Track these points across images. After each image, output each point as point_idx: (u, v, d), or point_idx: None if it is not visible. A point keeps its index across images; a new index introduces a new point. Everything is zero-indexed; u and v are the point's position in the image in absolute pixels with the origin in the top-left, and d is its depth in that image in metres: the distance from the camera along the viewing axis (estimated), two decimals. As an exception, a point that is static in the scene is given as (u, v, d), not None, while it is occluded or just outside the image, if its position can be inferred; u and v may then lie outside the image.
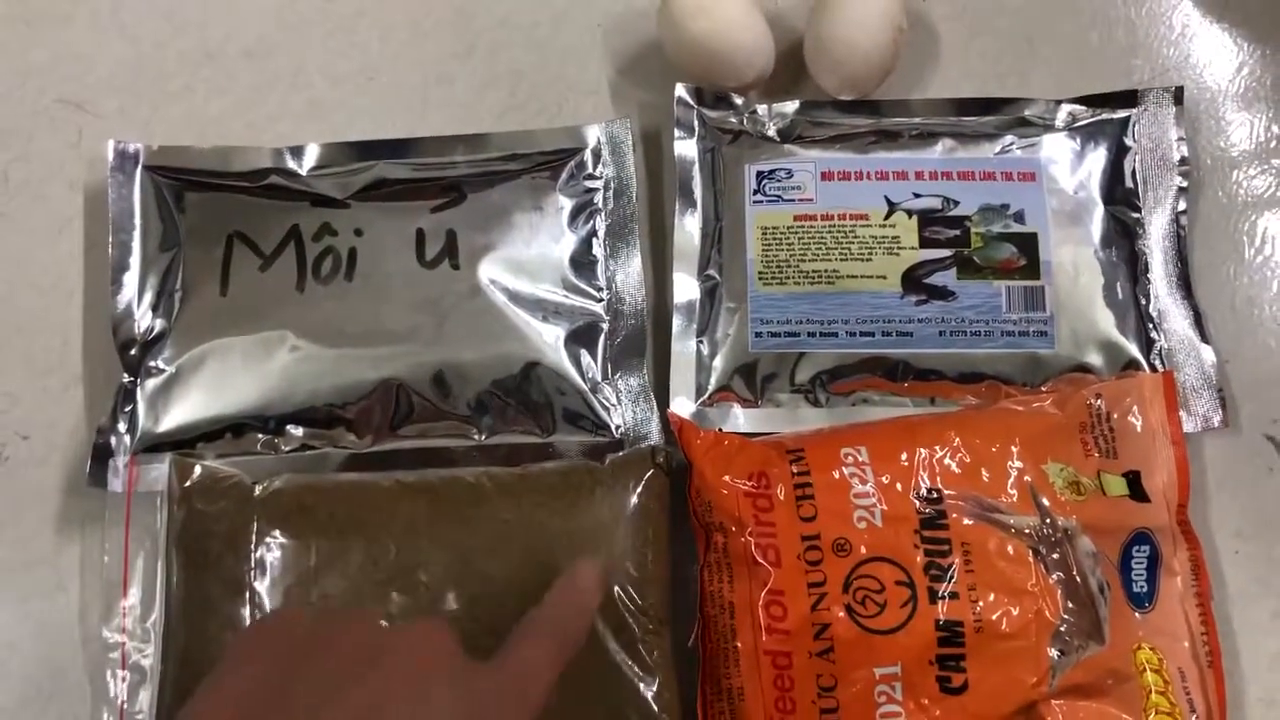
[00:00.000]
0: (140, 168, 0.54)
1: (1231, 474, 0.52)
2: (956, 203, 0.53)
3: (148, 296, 0.52)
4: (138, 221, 0.53)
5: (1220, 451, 0.52)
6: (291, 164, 0.54)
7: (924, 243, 0.52)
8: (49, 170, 0.56)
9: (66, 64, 0.58)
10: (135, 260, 0.53)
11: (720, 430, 0.50)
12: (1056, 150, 0.54)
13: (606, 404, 0.52)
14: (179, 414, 0.51)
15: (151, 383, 0.51)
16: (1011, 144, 0.54)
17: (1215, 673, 0.47)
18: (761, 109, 0.54)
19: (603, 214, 0.54)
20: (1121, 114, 0.54)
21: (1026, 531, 0.45)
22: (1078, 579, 0.45)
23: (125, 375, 0.51)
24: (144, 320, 0.52)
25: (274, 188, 0.53)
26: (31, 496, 0.52)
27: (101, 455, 0.50)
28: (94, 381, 0.53)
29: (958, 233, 0.52)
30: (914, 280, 0.52)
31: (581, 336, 0.52)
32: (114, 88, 0.57)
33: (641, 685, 0.45)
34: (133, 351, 0.52)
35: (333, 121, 0.57)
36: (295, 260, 0.52)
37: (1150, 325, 0.52)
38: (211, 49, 0.58)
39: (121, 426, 0.51)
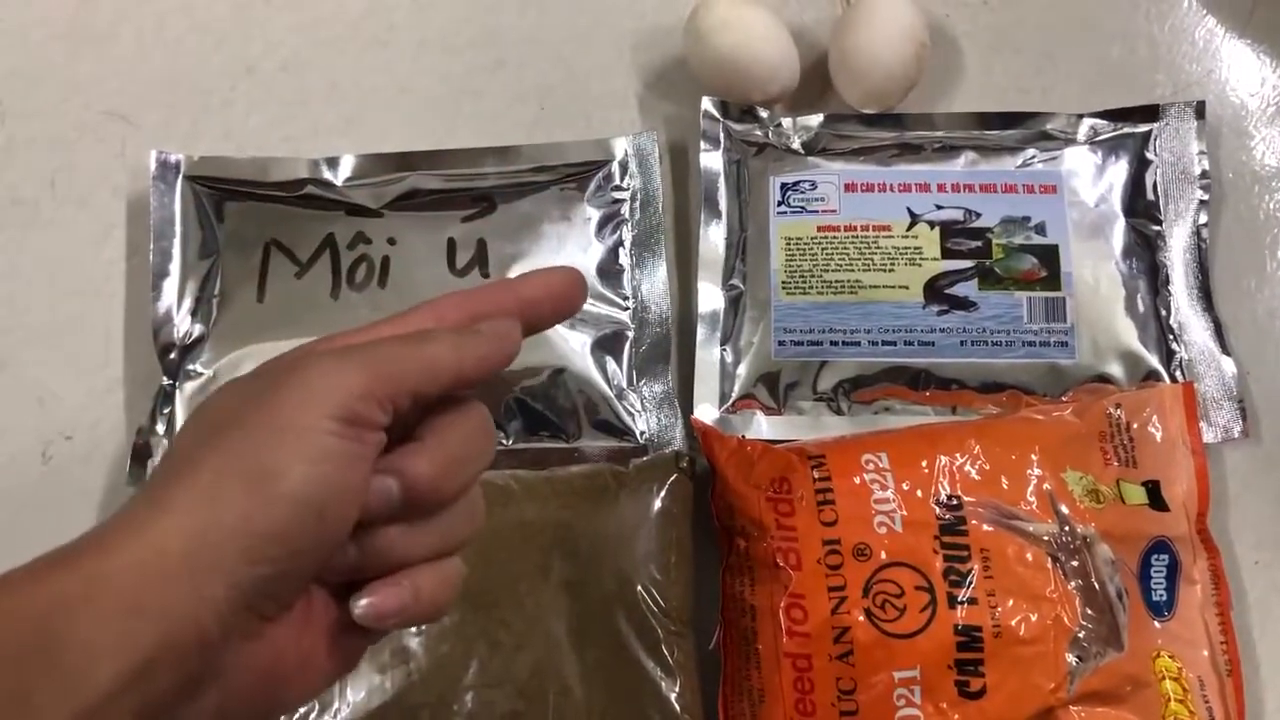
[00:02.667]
0: (181, 177, 0.55)
1: (1252, 485, 0.52)
2: (978, 215, 0.53)
3: (187, 302, 0.54)
4: (178, 229, 0.55)
5: (1241, 462, 0.52)
6: (327, 174, 0.55)
7: (946, 254, 0.53)
8: (94, 179, 0.58)
9: (111, 78, 0.59)
10: (175, 267, 0.54)
11: (743, 437, 0.51)
12: (1078, 163, 0.54)
13: (631, 410, 0.52)
14: (216, 416, 0.52)
15: (190, 386, 0.52)
16: (1033, 157, 0.55)
17: (1235, 682, 0.47)
18: (786, 122, 0.55)
19: (629, 224, 0.55)
20: (1143, 128, 0.55)
21: (1045, 538, 0.46)
22: (1096, 586, 0.46)
23: (165, 378, 0.53)
24: (183, 325, 0.53)
25: (310, 197, 0.55)
26: (73, 495, 0.53)
27: (141, 455, 0.52)
28: (134, 384, 0.54)
29: (979, 244, 0.53)
30: (936, 291, 0.53)
31: (607, 344, 0.53)
32: (156, 101, 0.59)
33: (664, 686, 0.46)
34: (172, 355, 0.53)
35: (366, 134, 0.58)
36: (330, 268, 0.53)
37: (1171, 336, 0.52)
38: (250, 64, 0.60)
39: (160, 428, 0.52)
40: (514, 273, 0.53)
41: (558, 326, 0.52)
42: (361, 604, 0.30)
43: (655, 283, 0.54)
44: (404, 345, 0.31)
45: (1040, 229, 0.53)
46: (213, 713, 0.29)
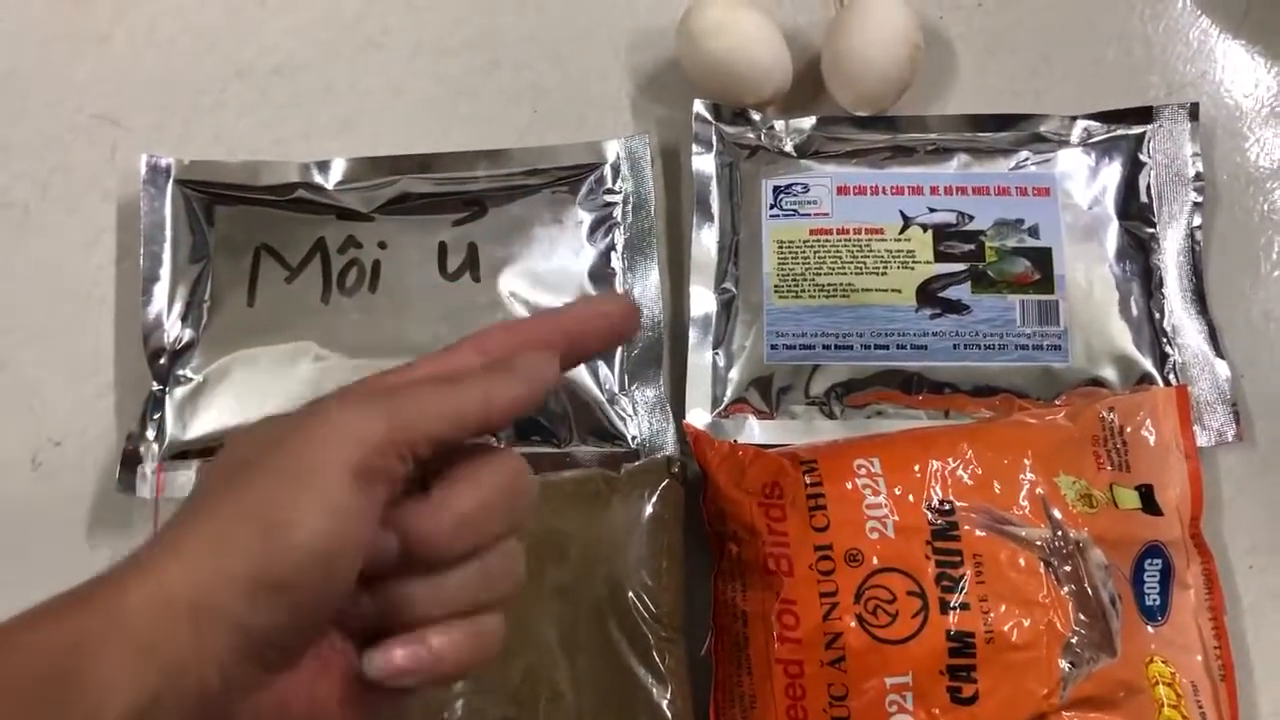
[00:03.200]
0: (171, 181, 0.55)
1: (1246, 488, 0.52)
2: (971, 217, 0.53)
3: (177, 307, 0.53)
4: (168, 233, 0.54)
5: (1235, 466, 0.52)
6: (318, 178, 0.55)
7: (939, 257, 0.53)
8: (84, 183, 0.58)
9: (103, 80, 0.59)
10: (165, 271, 0.54)
11: (735, 441, 0.50)
12: (1071, 166, 0.54)
13: (623, 415, 0.52)
14: (206, 422, 0.52)
15: (180, 391, 0.52)
16: (1026, 159, 0.54)
17: (1228, 687, 0.47)
18: (779, 125, 0.55)
19: (621, 228, 0.55)
20: (1137, 130, 0.55)
21: (1038, 543, 0.46)
22: (1089, 591, 0.46)
23: (154, 383, 0.53)
24: (173, 330, 0.53)
25: (301, 201, 0.55)
26: (63, 501, 0.53)
27: (130, 462, 0.51)
28: (124, 389, 0.54)
29: (972, 247, 0.53)
30: (928, 294, 0.52)
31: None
32: (148, 104, 0.59)
33: (655, 692, 0.46)
34: (162, 360, 0.53)
35: (359, 137, 0.58)
36: (321, 272, 0.53)
37: (1164, 340, 0.52)
38: (242, 67, 0.60)
39: (150, 434, 0.52)
40: (505, 277, 0.53)
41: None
42: (372, 660, 0.30)
43: (647, 286, 0.54)
44: (432, 391, 0.30)
45: (1033, 232, 0.53)
46: None
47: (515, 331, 0.33)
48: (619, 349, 0.53)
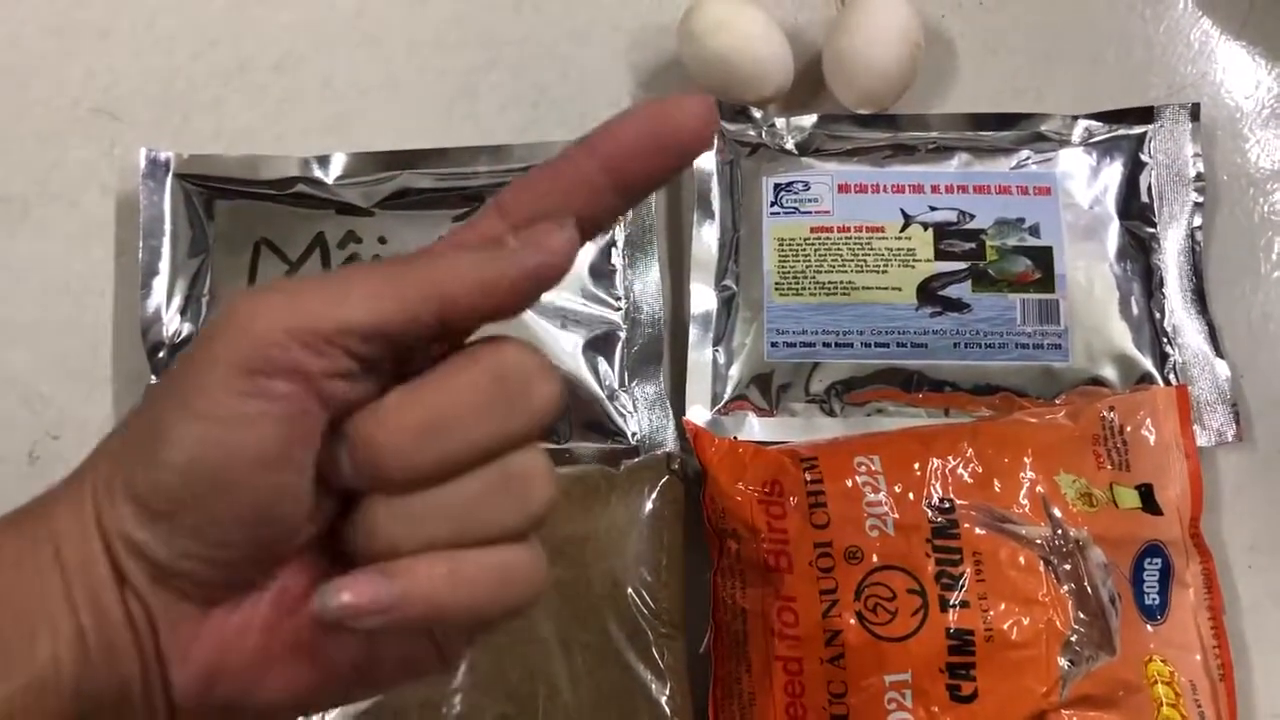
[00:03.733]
0: (171, 175, 0.55)
1: (1245, 488, 0.52)
2: (972, 216, 0.53)
3: (176, 301, 0.53)
4: (168, 228, 0.54)
5: (1234, 466, 0.52)
6: (318, 173, 0.55)
7: (939, 255, 0.53)
8: (83, 177, 0.57)
9: (102, 75, 0.59)
10: (165, 265, 0.54)
11: (735, 438, 0.50)
12: (1072, 165, 0.54)
13: (623, 411, 0.52)
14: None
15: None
16: (1027, 159, 0.54)
17: (1227, 686, 0.47)
18: (780, 122, 0.55)
19: (622, 224, 0.54)
20: (1138, 130, 0.55)
21: (1038, 542, 0.46)
22: (1089, 590, 0.45)
23: (153, 377, 0.52)
24: (172, 324, 0.53)
25: (301, 196, 0.54)
26: (60, 495, 0.53)
27: (129, 455, 0.51)
28: (122, 383, 0.54)
29: (973, 246, 0.53)
30: (929, 292, 0.52)
31: (599, 344, 0.53)
32: (147, 98, 0.59)
33: (654, 689, 0.46)
34: (161, 354, 0.53)
35: (359, 134, 0.58)
36: (320, 267, 0.53)
37: (1165, 339, 0.52)
38: (242, 62, 0.59)
39: (148, 427, 0.52)
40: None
41: (547, 327, 0.52)
42: (322, 595, 0.24)
43: (647, 283, 0.54)
44: (365, 275, 0.25)
45: (1034, 231, 0.53)
46: (162, 708, 0.26)
47: (538, 182, 0.26)
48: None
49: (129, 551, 0.25)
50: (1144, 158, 0.54)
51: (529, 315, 0.53)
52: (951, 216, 0.53)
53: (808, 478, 0.47)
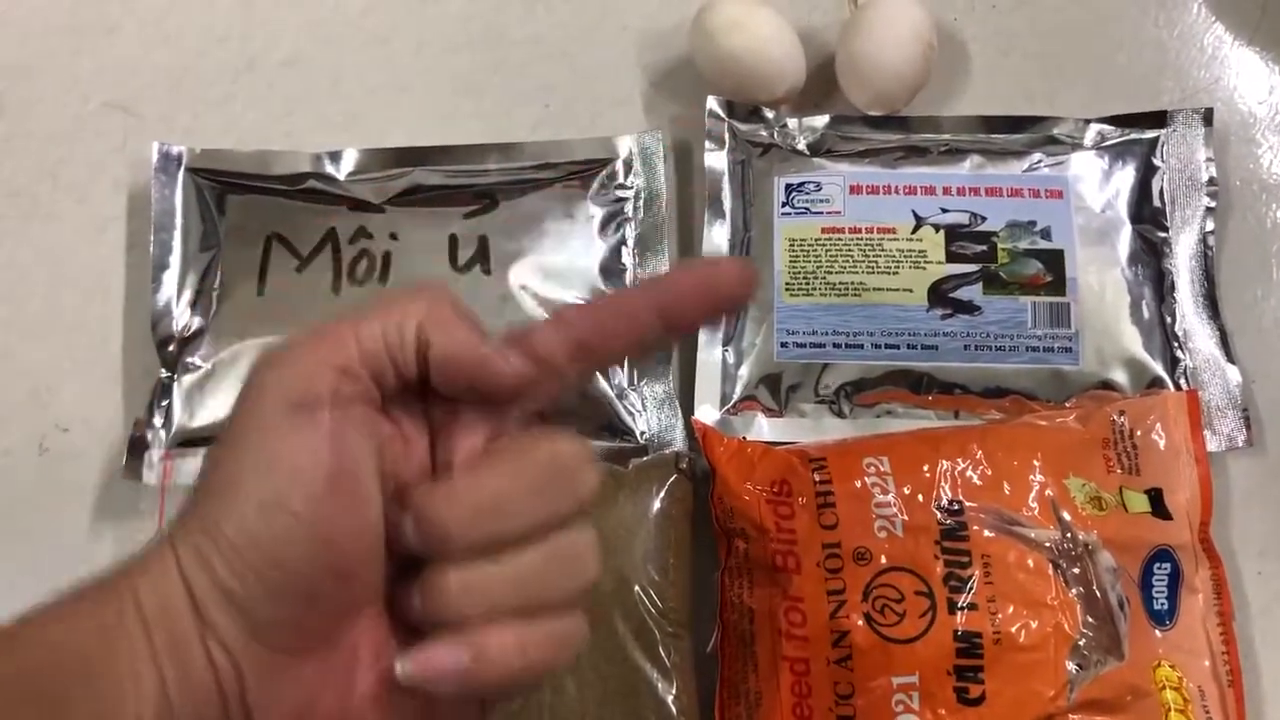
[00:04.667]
0: (183, 169, 0.55)
1: (1255, 494, 0.51)
2: (984, 218, 0.53)
3: (186, 294, 0.53)
4: (179, 221, 0.54)
5: (1245, 471, 0.52)
6: (330, 169, 0.55)
7: (950, 257, 0.53)
8: (94, 171, 0.57)
9: (113, 70, 0.59)
10: (175, 259, 0.54)
11: (744, 438, 0.50)
12: (1085, 169, 0.54)
13: (632, 410, 0.52)
14: (214, 410, 0.52)
15: (188, 379, 0.52)
16: (1040, 162, 0.54)
17: (1235, 692, 0.47)
18: (792, 123, 0.55)
19: (632, 223, 0.54)
20: (1150, 134, 0.55)
21: (1047, 545, 0.45)
22: (1098, 594, 0.45)
23: (163, 371, 0.52)
24: (182, 318, 0.53)
25: (312, 191, 0.54)
26: (69, 487, 0.53)
27: (137, 449, 0.51)
28: (132, 377, 0.54)
29: (984, 248, 0.53)
30: (940, 294, 0.52)
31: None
32: (158, 94, 0.59)
33: (660, 687, 0.46)
34: (171, 348, 0.53)
35: (367, 132, 0.58)
36: (331, 262, 0.53)
37: (1175, 344, 0.52)
38: (252, 59, 0.59)
39: (158, 421, 0.52)
40: (515, 270, 0.53)
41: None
42: (404, 661, 0.27)
43: (657, 282, 0.54)
44: (370, 308, 0.28)
45: (1046, 234, 0.53)
46: None
47: (601, 313, 0.29)
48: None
49: (219, 606, 0.26)
50: (1156, 162, 0.54)
51: (540, 312, 0.53)
52: (963, 219, 0.53)
53: (816, 478, 0.47)
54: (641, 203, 0.55)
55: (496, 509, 0.27)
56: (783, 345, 0.52)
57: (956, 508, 0.46)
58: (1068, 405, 0.51)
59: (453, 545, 0.27)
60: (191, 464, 0.51)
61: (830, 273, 0.53)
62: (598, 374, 0.52)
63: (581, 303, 0.30)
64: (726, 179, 0.55)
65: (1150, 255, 0.53)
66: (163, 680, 0.26)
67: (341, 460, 0.27)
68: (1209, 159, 0.54)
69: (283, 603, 0.27)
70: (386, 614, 0.28)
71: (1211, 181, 0.54)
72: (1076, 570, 0.45)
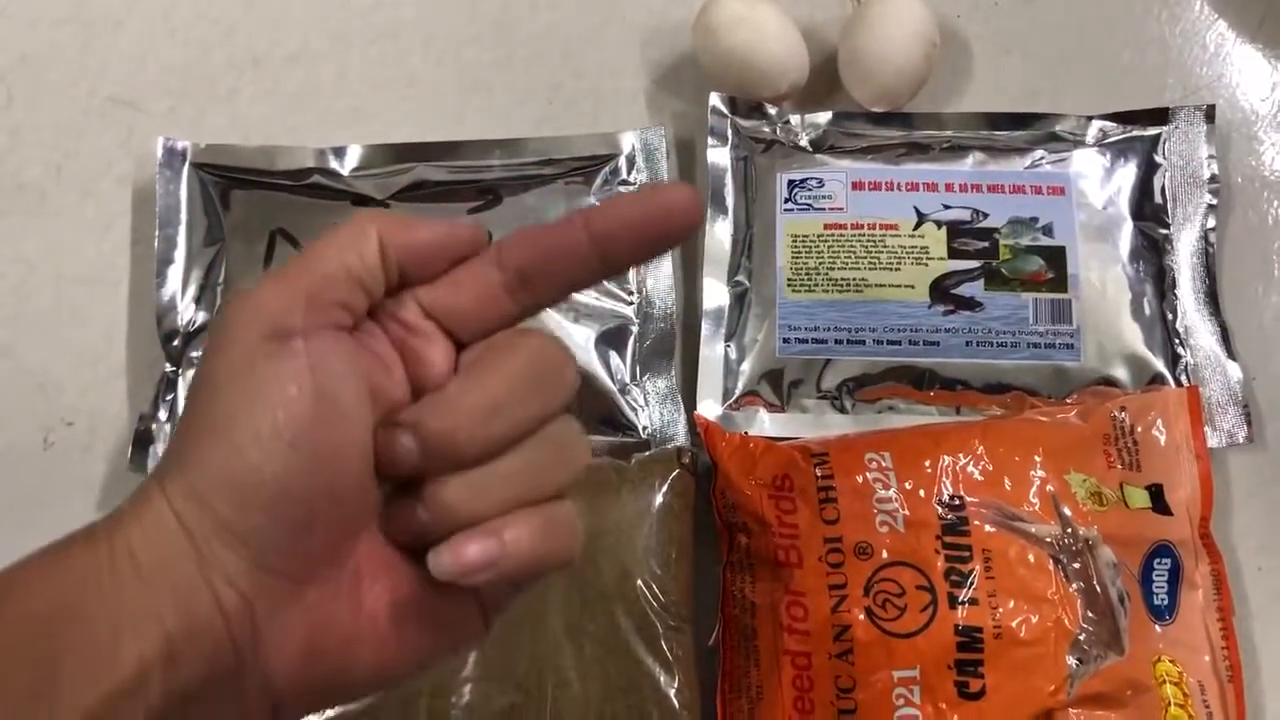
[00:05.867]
0: (188, 165, 0.55)
1: (1256, 490, 0.52)
2: (986, 215, 0.53)
3: (191, 289, 0.54)
4: (184, 216, 0.55)
5: (1245, 468, 0.52)
6: (334, 164, 0.55)
7: (952, 254, 0.53)
8: (99, 166, 0.58)
9: (119, 65, 0.59)
10: (180, 254, 0.54)
11: (746, 433, 0.50)
12: (1086, 165, 0.54)
13: (634, 405, 0.52)
14: (218, 404, 0.52)
15: (193, 373, 0.52)
16: (1042, 158, 0.54)
17: (1235, 687, 0.47)
18: (794, 119, 0.55)
19: (636, 219, 0.55)
20: (1152, 131, 0.55)
21: (1048, 540, 0.46)
22: (1098, 589, 0.45)
23: (168, 365, 0.53)
24: (187, 312, 0.53)
25: (316, 187, 0.55)
26: (74, 481, 0.53)
27: (143, 442, 0.52)
28: (137, 371, 0.54)
29: (986, 244, 0.53)
30: (942, 290, 0.52)
31: (611, 338, 0.53)
32: (163, 89, 0.59)
33: (662, 681, 0.46)
34: (175, 342, 0.53)
35: (372, 127, 0.58)
36: (335, 257, 0.53)
37: (1176, 340, 0.52)
38: (258, 54, 0.60)
39: (163, 414, 0.52)
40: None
41: (561, 321, 0.53)
42: (439, 558, 0.27)
43: (660, 278, 0.54)
44: (325, 237, 0.29)
45: (1048, 230, 0.53)
46: (258, 694, 0.27)
47: (536, 239, 0.30)
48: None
49: (224, 542, 0.26)
50: (1158, 159, 0.54)
51: (542, 308, 0.53)
52: (965, 215, 0.53)
53: (818, 473, 0.47)
54: (644, 199, 0.55)
55: (495, 410, 0.28)
56: (785, 341, 0.52)
57: (958, 503, 0.46)
58: (1069, 401, 0.51)
59: (460, 452, 0.28)
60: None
61: (832, 269, 0.53)
62: (601, 370, 0.52)
63: (518, 231, 0.30)
64: (729, 175, 0.55)
65: (1152, 252, 0.53)
66: (165, 626, 0.26)
67: (326, 383, 0.27)
68: (1211, 156, 0.54)
69: (287, 530, 0.27)
70: (380, 543, 0.29)
71: (1213, 179, 0.54)
72: (1077, 565, 0.46)
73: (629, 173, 0.55)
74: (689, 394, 0.53)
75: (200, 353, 0.53)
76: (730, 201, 0.55)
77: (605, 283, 0.54)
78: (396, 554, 0.29)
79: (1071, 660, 0.44)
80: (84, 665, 0.25)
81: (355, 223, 0.29)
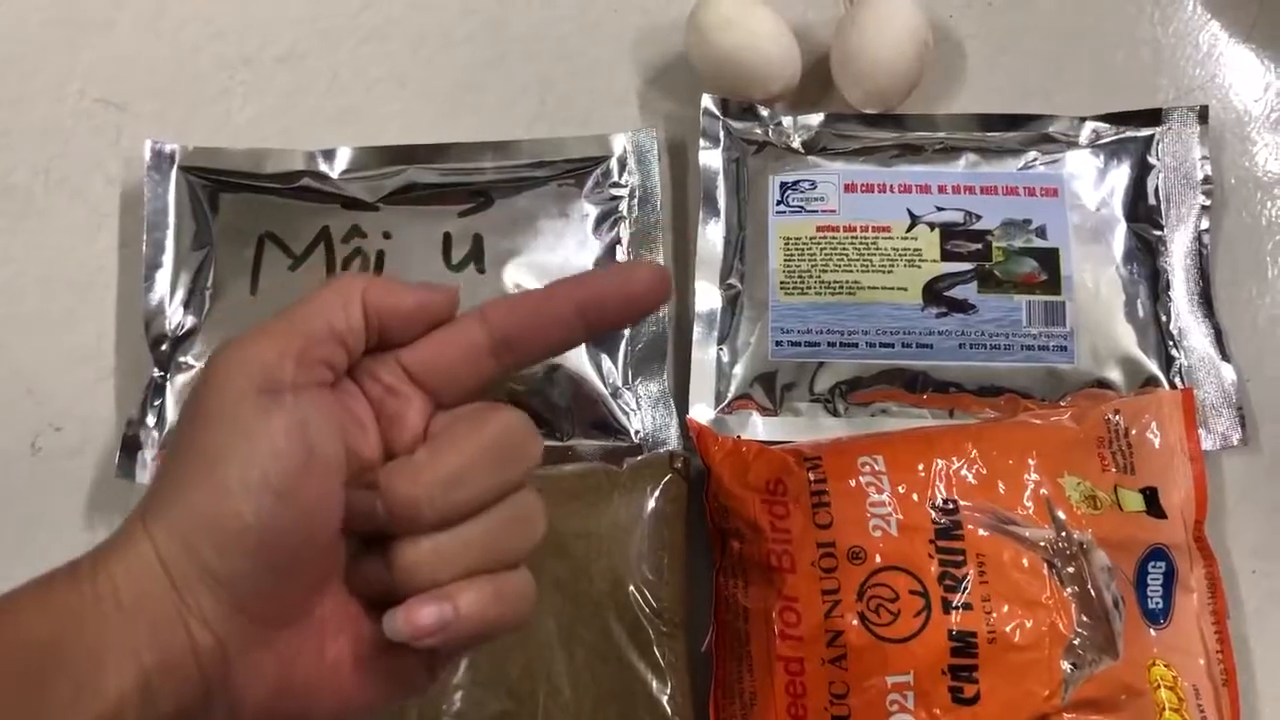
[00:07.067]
0: (176, 168, 0.55)
1: (1250, 493, 0.51)
2: (979, 217, 0.53)
3: (179, 293, 0.53)
4: (172, 220, 0.54)
5: (1239, 470, 0.52)
6: (323, 167, 0.55)
7: (945, 256, 0.52)
8: (87, 168, 0.57)
9: (107, 66, 0.59)
10: (168, 258, 0.54)
11: (739, 437, 0.50)
12: (1080, 167, 0.54)
13: (626, 409, 0.52)
14: (207, 409, 0.51)
15: (181, 378, 0.52)
16: (1035, 160, 0.54)
17: (1230, 691, 0.47)
18: (787, 121, 0.55)
19: (627, 221, 0.54)
20: (1145, 132, 0.54)
21: (1042, 544, 0.45)
22: (1092, 593, 0.45)
23: (156, 370, 0.52)
24: (175, 316, 0.53)
25: (305, 190, 0.54)
26: (62, 486, 0.53)
27: (131, 447, 0.51)
28: (125, 375, 0.54)
29: (979, 246, 0.53)
30: (935, 293, 0.52)
31: (603, 342, 0.53)
32: (152, 90, 0.59)
33: (655, 687, 0.46)
34: (164, 347, 0.53)
35: (364, 128, 0.58)
36: (325, 261, 0.53)
37: (1170, 342, 0.52)
38: (247, 55, 0.59)
39: (151, 420, 0.52)
40: (509, 269, 0.53)
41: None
42: (393, 619, 0.29)
43: (652, 281, 0.54)
44: (312, 296, 0.30)
45: (1041, 232, 0.53)
46: None
47: (523, 307, 0.32)
48: (630, 328, 0.53)
49: (205, 584, 0.28)
50: (1151, 160, 0.54)
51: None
52: (958, 217, 0.53)
53: (811, 477, 0.47)
54: (636, 201, 0.55)
55: (459, 480, 0.29)
56: (777, 344, 0.52)
57: (951, 507, 0.46)
58: (1063, 404, 0.51)
59: (422, 517, 0.29)
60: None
61: (825, 271, 0.53)
62: (592, 373, 0.52)
63: (503, 298, 0.32)
64: (721, 177, 0.55)
65: (1145, 253, 0.53)
66: (142, 662, 0.27)
67: (313, 440, 0.28)
68: (1204, 157, 0.54)
69: (267, 577, 0.28)
70: (346, 594, 0.30)
71: (1206, 179, 0.54)
72: (1071, 569, 0.45)
73: (620, 175, 0.55)
74: (681, 398, 0.52)
75: (188, 357, 0.52)
76: (722, 203, 0.54)
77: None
78: (359, 606, 0.30)
79: (1066, 665, 0.44)
80: (68, 696, 0.26)
81: (342, 283, 0.30)
